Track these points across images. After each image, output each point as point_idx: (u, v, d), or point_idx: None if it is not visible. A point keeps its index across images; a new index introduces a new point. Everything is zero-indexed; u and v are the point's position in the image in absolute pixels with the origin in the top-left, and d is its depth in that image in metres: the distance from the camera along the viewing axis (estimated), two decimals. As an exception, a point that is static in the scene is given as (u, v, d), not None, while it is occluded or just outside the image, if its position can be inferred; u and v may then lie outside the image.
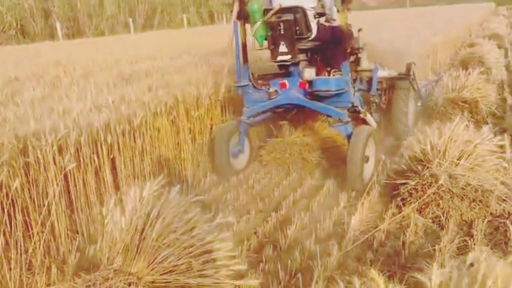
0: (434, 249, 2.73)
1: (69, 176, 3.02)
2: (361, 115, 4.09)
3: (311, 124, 4.51)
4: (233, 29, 4.06)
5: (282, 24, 3.78)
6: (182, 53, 7.81)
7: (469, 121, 5.23)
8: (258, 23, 3.86)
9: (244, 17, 4.04)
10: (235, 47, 4.08)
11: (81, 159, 3.10)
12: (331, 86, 3.80)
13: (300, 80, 4.00)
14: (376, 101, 4.62)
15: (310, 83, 3.89)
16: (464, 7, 26.63)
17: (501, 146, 3.59)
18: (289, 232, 3.03)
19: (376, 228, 3.03)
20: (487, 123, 5.25)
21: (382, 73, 4.64)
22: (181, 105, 4.01)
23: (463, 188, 3.09)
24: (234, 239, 2.73)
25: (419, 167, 3.44)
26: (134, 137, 3.53)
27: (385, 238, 2.96)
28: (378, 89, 4.66)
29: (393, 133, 4.90)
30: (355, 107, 4.02)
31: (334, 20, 4.09)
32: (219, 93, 4.29)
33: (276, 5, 3.84)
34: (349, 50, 4.14)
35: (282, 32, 3.80)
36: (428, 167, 3.37)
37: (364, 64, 4.58)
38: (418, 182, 3.27)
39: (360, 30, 4.50)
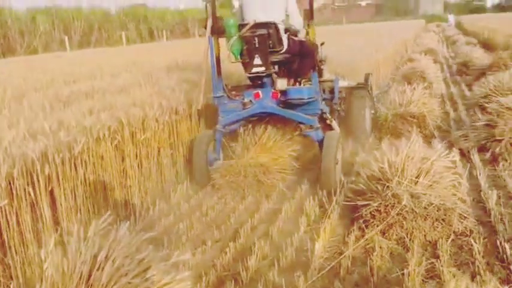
0: (403, 274, 2.62)
1: (0, 213, 2.66)
2: (328, 121, 4.47)
3: (265, 143, 4.34)
4: (208, 44, 4.22)
5: (256, 38, 4.03)
6: (123, 72, 7.48)
7: (417, 135, 5.43)
8: (234, 38, 4.07)
9: (217, 32, 4.20)
10: (210, 61, 4.25)
11: (15, 193, 2.75)
12: (304, 94, 4.12)
13: (273, 90, 4.25)
14: (338, 108, 5.02)
15: (283, 92, 4.17)
16: (398, 24, 27.84)
17: (454, 162, 3.61)
18: (250, 263, 2.82)
19: (341, 254, 2.89)
20: (435, 137, 5.38)
21: (342, 83, 5.10)
22: (126, 129, 3.72)
23: (425, 208, 3.02)
24: (190, 275, 2.48)
25: (379, 187, 3.35)
26: (75, 166, 3.21)
27: (351, 264, 2.81)
28: (338, 98, 5.00)
29: (353, 138, 5.17)
30: (324, 113, 4.43)
31: (298, 31, 4.37)
32: (198, 103, 4.48)
33: (250, 21, 4.07)
34: None
35: (256, 46, 4.06)
36: (388, 187, 3.29)
37: (326, 75, 4.91)
38: (380, 203, 3.18)
39: (322, 44, 4.73)
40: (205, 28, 4.23)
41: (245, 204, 3.84)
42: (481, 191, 3.69)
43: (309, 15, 4.17)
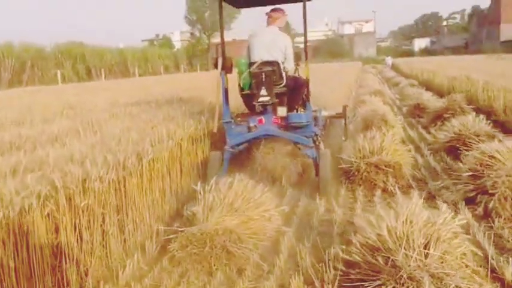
0: None
1: None
2: (317, 142, 5.21)
3: (232, 203, 3.65)
4: (219, 78, 5.03)
5: (263, 74, 4.83)
6: (58, 116, 6.61)
7: (394, 187, 4.96)
8: (246, 73, 4.96)
9: (226, 68, 5.07)
10: (222, 92, 5.02)
11: None
12: (303, 119, 4.98)
13: (274, 117, 4.98)
14: (322, 133, 5.73)
15: (283, 118, 4.97)
16: (339, 65, 28.45)
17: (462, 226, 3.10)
18: None
19: None
20: (412, 188, 4.94)
21: (324, 113, 6.09)
22: (61, 193, 2.91)
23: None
24: None
25: (380, 259, 2.77)
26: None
27: None
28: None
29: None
30: (316, 135, 5.23)
31: (289, 70, 5.12)
32: (214, 127, 5.17)
33: (257, 59, 4.92)
34: None
35: (263, 80, 4.84)
36: (391, 259, 2.71)
37: None
38: (385, 282, 2.57)
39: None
40: (216, 66, 5.06)
41: (214, 283, 3.10)
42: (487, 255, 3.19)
43: (299, 57, 5.11)
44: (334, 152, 5.48)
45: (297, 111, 5.09)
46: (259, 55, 4.95)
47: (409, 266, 2.63)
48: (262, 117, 4.96)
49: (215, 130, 5.14)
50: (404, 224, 2.93)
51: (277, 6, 5.28)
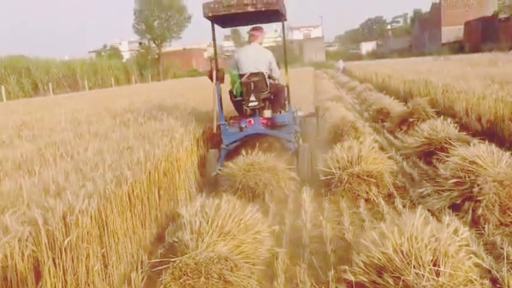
0: None
1: None
2: (297, 138, 6.18)
3: (222, 226, 3.46)
4: (215, 88, 5.95)
5: (253, 83, 5.84)
6: (15, 138, 6.17)
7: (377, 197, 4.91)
8: (237, 83, 6.00)
9: (220, 79, 6.01)
10: (216, 100, 5.92)
11: None
12: (286, 119, 5.98)
13: (261, 118, 5.88)
14: (299, 130, 6.67)
15: (269, 119, 5.91)
16: (293, 71, 28.60)
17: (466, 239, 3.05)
18: None
19: None
20: (395, 197, 4.91)
21: (300, 113, 7.11)
22: (42, 232, 2.63)
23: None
24: None
25: (390, 280, 2.68)
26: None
27: None
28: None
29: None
30: (296, 132, 6.29)
31: (277, 79, 6.26)
32: (214, 128, 6.02)
33: (246, 72, 5.89)
34: None
35: (252, 88, 5.85)
36: (402, 279, 2.63)
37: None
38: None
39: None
40: (210, 78, 6.01)
41: (214, 317, 2.90)
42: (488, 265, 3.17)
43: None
44: (310, 145, 6.30)
45: (280, 113, 6.10)
46: (247, 68, 5.91)
47: (423, 286, 2.56)
48: (251, 119, 5.86)
49: (215, 131, 6.00)
50: (409, 241, 2.86)
51: (258, 25, 6.31)
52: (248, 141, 5.93)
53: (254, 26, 6.24)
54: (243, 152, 5.30)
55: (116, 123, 6.68)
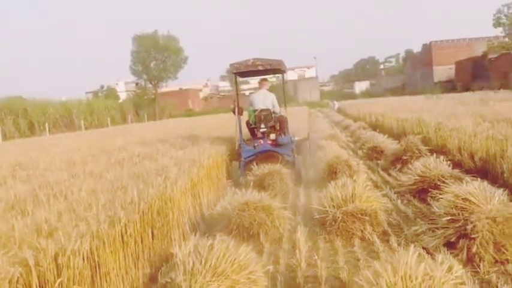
0: None
1: None
2: (293, 153, 8.37)
3: (216, 266, 3.42)
4: (237, 119, 8.57)
5: (262, 116, 8.40)
6: (9, 178, 6.16)
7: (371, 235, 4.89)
8: (252, 116, 8.56)
9: (240, 113, 8.57)
10: (238, 127, 8.61)
11: None
12: (285, 140, 8.44)
13: (268, 140, 8.35)
14: (294, 148, 8.72)
15: (275, 140, 8.38)
16: (288, 110, 28.86)
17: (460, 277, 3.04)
18: None
19: None
20: (389, 235, 4.90)
21: (296, 138, 9.25)
22: (33, 273, 2.61)
23: None
24: None
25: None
26: None
27: None
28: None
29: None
30: (293, 150, 8.46)
31: (278, 113, 8.76)
32: (237, 145, 8.70)
33: (258, 108, 8.52)
34: None
35: (262, 119, 8.39)
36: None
37: None
38: None
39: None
40: (234, 112, 8.61)
41: None
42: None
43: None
44: (304, 159, 8.92)
45: (281, 136, 8.54)
46: (258, 105, 8.60)
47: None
48: (261, 140, 8.38)
49: (237, 148, 8.60)
50: (403, 280, 2.85)
51: (265, 76, 9.81)
52: (259, 156, 8.27)
53: (263, 77, 9.59)
54: (255, 164, 7.70)
55: (111, 163, 6.68)
